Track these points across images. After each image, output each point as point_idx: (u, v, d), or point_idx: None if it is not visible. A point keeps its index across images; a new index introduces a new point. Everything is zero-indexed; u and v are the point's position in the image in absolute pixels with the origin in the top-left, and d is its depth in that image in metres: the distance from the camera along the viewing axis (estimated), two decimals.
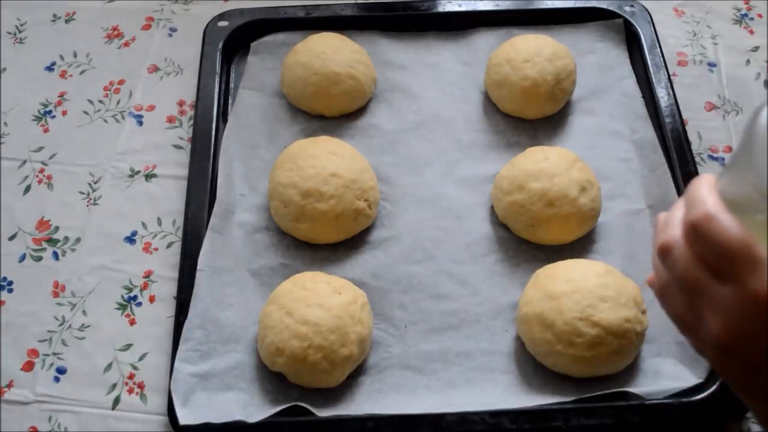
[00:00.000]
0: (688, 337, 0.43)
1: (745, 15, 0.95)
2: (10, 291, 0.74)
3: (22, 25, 0.94)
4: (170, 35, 0.93)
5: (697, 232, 0.39)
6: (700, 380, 0.65)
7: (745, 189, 0.39)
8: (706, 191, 0.40)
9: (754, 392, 0.40)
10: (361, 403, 0.65)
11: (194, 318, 0.68)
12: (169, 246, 0.76)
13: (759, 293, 0.36)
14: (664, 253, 0.42)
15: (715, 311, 0.39)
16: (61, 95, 0.88)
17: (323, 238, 0.73)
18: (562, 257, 0.71)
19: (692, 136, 0.82)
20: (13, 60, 0.91)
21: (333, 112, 0.83)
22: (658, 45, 0.85)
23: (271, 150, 0.80)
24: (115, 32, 0.94)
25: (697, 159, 0.80)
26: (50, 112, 0.87)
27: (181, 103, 0.87)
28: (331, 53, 0.82)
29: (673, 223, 0.42)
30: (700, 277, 0.40)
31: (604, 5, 0.89)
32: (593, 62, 0.87)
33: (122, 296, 0.73)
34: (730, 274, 0.38)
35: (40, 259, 0.76)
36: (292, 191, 0.72)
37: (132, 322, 0.72)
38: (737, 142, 0.83)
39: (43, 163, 0.82)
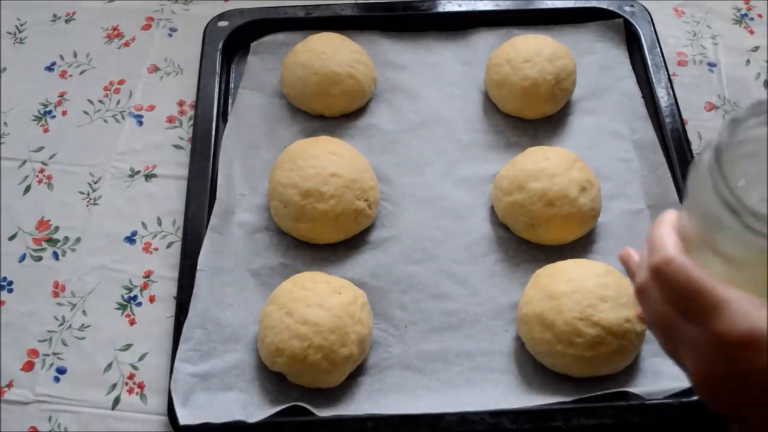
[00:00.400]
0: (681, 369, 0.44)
1: (745, 15, 0.95)
2: (10, 291, 0.74)
3: (22, 25, 0.94)
4: (170, 35, 0.93)
5: (659, 275, 0.41)
6: None
7: (698, 229, 0.40)
8: (666, 233, 0.42)
9: (745, 424, 0.40)
10: (361, 403, 0.65)
11: (194, 318, 0.68)
12: (169, 246, 0.76)
13: (724, 335, 0.37)
14: (640, 295, 0.44)
15: (688, 350, 0.40)
16: (61, 95, 0.88)
17: (323, 238, 0.73)
18: (562, 257, 0.71)
19: (692, 136, 0.82)
20: (13, 60, 0.91)
21: (333, 112, 0.83)
22: (658, 45, 0.85)
23: (271, 150, 0.80)
24: (115, 32, 0.94)
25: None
26: (50, 112, 0.87)
27: (181, 103, 0.87)
28: (331, 53, 0.82)
29: (644, 264, 0.44)
30: (672, 318, 0.41)
31: (604, 5, 0.89)
32: (593, 62, 0.87)
33: (122, 296, 0.73)
34: (694, 315, 0.39)
35: (40, 259, 0.76)
36: (292, 191, 0.72)
37: (132, 322, 0.72)
38: None
39: (43, 163, 0.82)
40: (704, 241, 0.40)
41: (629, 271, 0.50)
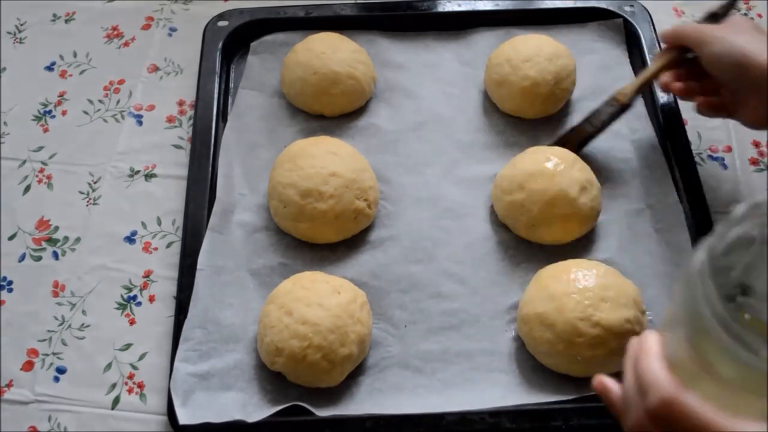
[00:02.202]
0: None
1: (745, 15, 0.95)
2: (10, 291, 0.74)
3: (22, 25, 0.94)
4: (170, 35, 0.93)
5: (661, 419, 0.38)
6: None
7: (690, 354, 0.37)
8: (656, 367, 0.38)
9: None
10: (361, 403, 0.65)
11: (194, 318, 0.68)
12: (168, 246, 0.76)
13: None
14: None
15: None
16: (61, 95, 0.88)
17: (323, 237, 0.73)
18: (562, 257, 0.71)
19: (692, 136, 0.82)
20: (13, 60, 0.91)
21: (333, 112, 0.83)
22: (658, 45, 0.85)
23: (270, 150, 0.80)
24: (115, 32, 0.94)
25: (696, 159, 0.80)
26: (50, 112, 0.87)
27: (180, 103, 0.87)
28: (331, 53, 0.82)
29: (634, 403, 0.40)
30: None
31: (604, 5, 0.89)
32: (593, 62, 0.87)
33: (122, 296, 0.73)
34: None
35: (39, 258, 0.76)
36: (292, 191, 0.72)
37: (132, 322, 0.72)
38: (737, 142, 0.83)
39: (43, 163, 0.82)
40: (699, 369, 0.36)
41: (609, 405, 0.46)
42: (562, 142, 0.78)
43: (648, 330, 0.43)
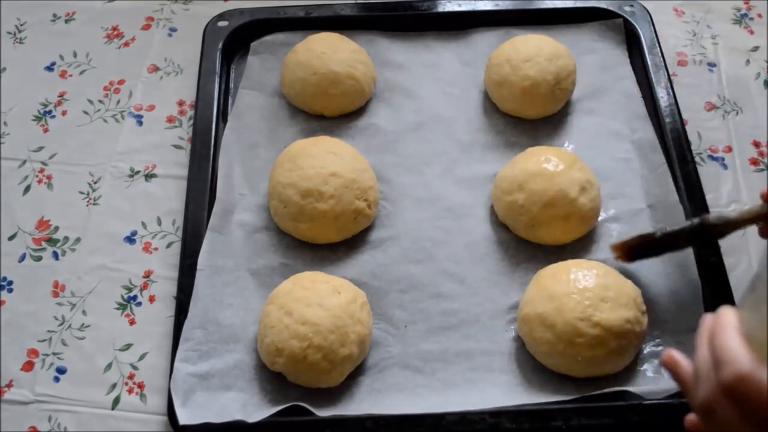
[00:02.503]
0: None
1: (745, 15, 0.95)
2: (10, 291, 0.74)
3: (22, 25, 0.94)
4: (170, 35, 0.93)
5: (736, 394, 0.37)
6: None
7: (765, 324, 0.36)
8: (733, 342, 0.38)
9: None
10: (361, 403, 0.65)
11: (194, 318, 0.68)
12: (169, 246, 0.76)
13: None
14: (707, 413, 0.40)
15: None
16: (61, 95, 0.88)
17: (323, 237, 0.73)
18: (562, 257, 0.71)
19: (692, 136, 0.82)
20: (13, 60, 0.91)
21: (333, 112, 0.83)
22: (657, 45, 0.85)
23: (270, 150, 0.80)
24: (115, 32, 0.94)
25: (696, 159, 0.80)
26: (50, 112, 0.87)
27: (181, 103, 0.87)
28: (331, 53, 0.82)
29: (707, 376, 0.40)
30: None
31: (604, 5, 0.89)
32: (593, 62, 0.87)
33: (122, 296, 0.73)
34: None
35: (39, 259, 0.76)
36: (292, 191, 0.72)
37: (132, 322, 0.72)
38: (737, 142, 0.83)
39: (43, 163, 0.82)
40: None
41: (678, 380, 0.45)
42: (627, 246, 0.68)
43: (724, 306, 0.42)
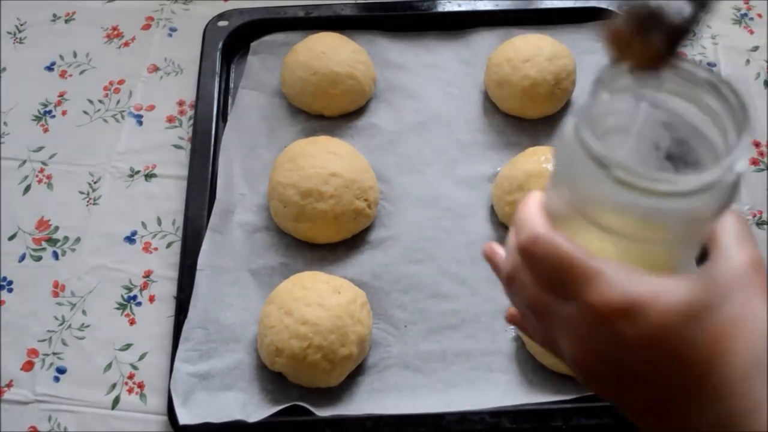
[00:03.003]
0: (562, 361, 0.40)
1: (745, 15, 0.95)
2: (10, 291, 0.74)
3: (22, 25, 0.94)
4: (170, 35, 0.93)
5: (528, 254, 0.37)
6: None
7: (567, 201, 0.37)
8: (533, 211, 0.39)
9: (631, 415, 0.37)
10: (361, 403, 0.65)
11: (194, 318, 0.68)
12: (169, 246, 0.76)
13: (596, 305, 0.34)
14: (510, 283, 0.40)
15: (563, 332, 0.37)
16: (61, 95, 0.88)
17: (323, 237, 0.73)
18: None
19: None
20: (13, 60, 0.91)
21: (333, 112, 0.83)
22: None
23: (271, 150, 0.80)
24: (115, 32, 0.94)
25: None
26: (50, 112, 0.87)
27: (181, 103, 0.87)
28: (331, 53, 0.82)
29: (511, 250, 0.40)
30: (545, 300, 0.38)
31: (604, 5, 0.89)
32: (593, 62, 0.87)
33: (122, 296, 0.73)
34: (568, 291, 0.36)
35: (40, 258, 0.76)
36: (292, 191, 0.72)
37: (132, 322, 0.72)
38: None
39: (43, 163, 0.82)
40: (575, 213, 0.37)
41: (495, 267, 0.45)
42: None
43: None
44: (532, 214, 0.38)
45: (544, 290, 0.38)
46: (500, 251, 0.45)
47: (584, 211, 0.36)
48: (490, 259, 0.46)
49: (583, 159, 0.34)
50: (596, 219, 0.36)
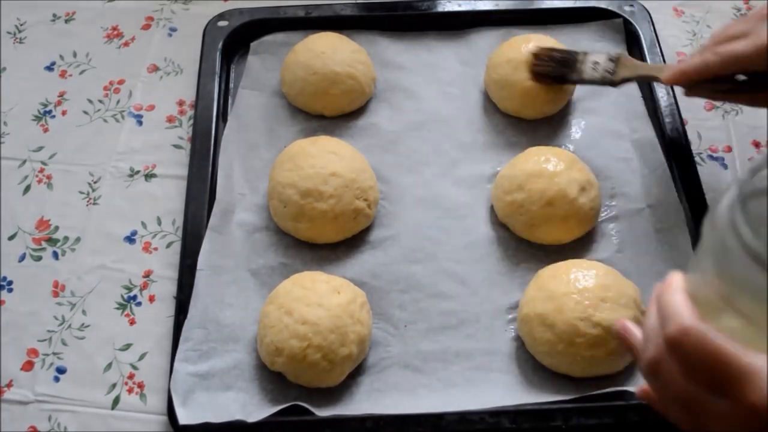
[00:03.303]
0: None
1: (745, 15, 0.94)
2: (10, 291, 0.74)
3: (22, 25, 0.94)
4: (170, 35, 0.93)
5: (678, 348, 0.37)
6: None
7: (714, 289, 0.37)
8: (678, 299, 0.38)
9: None
10: (361, 403, 0.65)
11: (194, 318, 0.68)
12: (168, 246, 0.76)
13: (757, 406, 0.34)
14: (653, 371, 0.40)
15: (719, 426, 0.37)
16: (61, 95, 0.88)
17: (323, 237, 0.73)
18: (562, 257, 0.71)
19: (692, 136, 0.82)
20: (13, 60, 0.91)
21: (333, 112, 0.83)
22: (657, 45, 0.85)
23: (270, 150, 0.80)
24: (115, 32, 0.94)
25: (696, 159, 0.80)
26: (50, 111, 0.87)
27: (180, 103, 0.87)
28: (331, 53, 0.82)
29: (654, 336, 0.40)
30: (696, 393, 0.37)
31: (603, 5, 0.89)
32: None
33: (122, 296, 0.73)
34: (723, 388, 0.36)
35: (39, 258, 0.76)
36: (292, 191, 0.72)
37: (132, 322, 0.72)
38: (737, 142, 0.83)
39: (43, 163, 0.82)
40: (722, 301, 0.36)
41: (628, 345, 0.46)
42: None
43: (673, 271, 0.43)
44: (679, 304, 0.38)
45: (695, 383, 0.37)
46: (635, 331, 0.44)
47: (733, 302, 0.36)
48: (623, 338, 0.46)
49: (737, 250, 0.34)
50: (746, 311, 0.36)
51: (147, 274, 0.75)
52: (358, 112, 0.84)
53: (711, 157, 0.82)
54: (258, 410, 0.63)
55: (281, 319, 0.64)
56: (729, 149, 0.83)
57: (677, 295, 0.39)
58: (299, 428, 0.63)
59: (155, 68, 0.90)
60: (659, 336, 0.39)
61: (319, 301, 0.65)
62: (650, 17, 0.88)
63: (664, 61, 0.84)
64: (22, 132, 0.85)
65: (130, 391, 0.68)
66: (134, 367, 0.69)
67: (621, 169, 0.79)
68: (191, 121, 0.84)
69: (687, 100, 0.84)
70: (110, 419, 0.67)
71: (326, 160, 0.73)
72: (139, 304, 0.73)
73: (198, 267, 0.71)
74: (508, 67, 0.81)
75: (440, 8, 0.90)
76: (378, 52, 0.87)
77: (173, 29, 0.94)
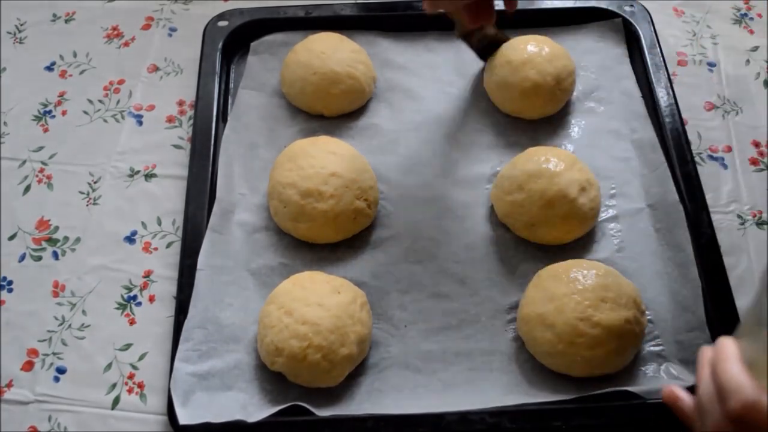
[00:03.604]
0: None
1: (745, 15, 0.95)
2: (10, 291, 0.74)
3: (22, 25, 0.94)
4: (170, 35, 0.93)
5: (743, 423, 0.37)
6: None
7: (763, 355, 0.37)
8: (736, 371, 0.38)
9: None
10: (361, 403, 0.65)
11: (194, 318, 0.68)
12: (168, 246, 0.76)
13: None
14: None
15: None
16: (61, 95, 0.88)
17: (322, 237, 0.73)
18: (562, 257, 0.71)
19: (692, 136, 0.82)
20: (13, 60, 0.91)
21: (333, 112, 0.83)
22: (657, 45, 0.85)
23: (270, 150, 0.80)
24: (115, 32, 0.94)
25: (696, 159, 0.80)
26: (50, 111, 0.87)
27: (180, 103, 0.87)
28: (331, 53, 0.82)
29: (711, 409, 0.39)
30: None
31: (604, 5, 0.89)
32: (593, 62, 0.87)
33: (122, 296, 0.73)
34: None
35: (39, 258, 0.76)
36: (292, 191, 0.72)
37: (132, 322, 0.72)
38: (737, 142, 0.83)
39: (43, 163, 0.82)
40: None
41: (680, 414, 0.45)
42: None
43: (722, 337, 0.42)
44: (738, 377, 0.38)
45: None
46: (686, 398, 0.44)
47: None
48: (672, 405, 0.45)
49: None
50: None
51: (147, 274, 0.75)
52: (358, 112, 0.84)
53: (711, 157, 0.82)
54: (258, 410, 0.63)
55: (281, 319, 0.64)
56: (729, 149, 0.83)
57: (735, 367, 0.38)
58: (299, 428, 0.63)
59: (155, 68, 0.90)
60: (719, 410, 0.39)
61: (320, 301, 0.65)
62: (650, 17, 0.88)
63: (665, 61, 0.84)
64: (22, 132, 0.85)
65: (130, 391, 0.68)
66: (134, 367, 0.69)
67: (621, 169, 0.79)
68: (191, 121, 0.84)
69: (687, 99, 0.84)
70: (110, 419, 0.67)
71: (326, 160, 0.73)
72: (139, 304, 0.73)
73: (198, 267, 0.71)
74: (508, 67, 0.81)
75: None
76: (378, 52, 0.87)
77: (173, 29, 0.94)
